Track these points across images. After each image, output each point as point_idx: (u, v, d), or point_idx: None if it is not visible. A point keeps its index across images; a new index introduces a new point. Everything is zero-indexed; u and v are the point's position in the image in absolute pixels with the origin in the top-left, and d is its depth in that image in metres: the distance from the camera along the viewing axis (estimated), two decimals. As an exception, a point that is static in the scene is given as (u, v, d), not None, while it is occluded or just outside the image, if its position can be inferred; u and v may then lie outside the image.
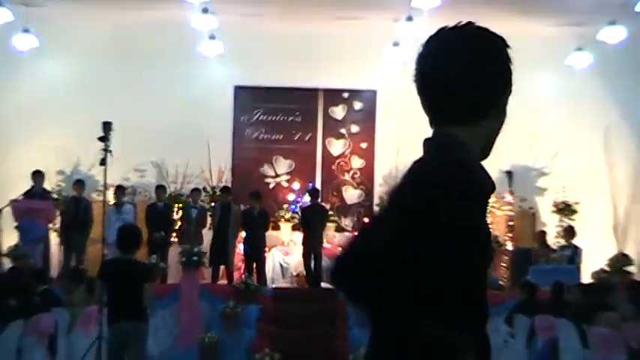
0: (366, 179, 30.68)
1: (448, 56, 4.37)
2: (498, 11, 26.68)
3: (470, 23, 4.43)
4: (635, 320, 18.26)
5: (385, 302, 4.43)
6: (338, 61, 29.63)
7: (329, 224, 28.71)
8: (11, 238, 25.67)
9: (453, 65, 4.35)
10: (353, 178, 30.66)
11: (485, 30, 4.42)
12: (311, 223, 27.11)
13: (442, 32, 4.43)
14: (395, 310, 4.41)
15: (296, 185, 30.16)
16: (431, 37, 4.46)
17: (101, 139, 18.33)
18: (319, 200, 28.18)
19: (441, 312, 4.36)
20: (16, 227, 26.27)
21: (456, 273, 4.33)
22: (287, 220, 29.01)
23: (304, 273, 27.23)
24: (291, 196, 29.94)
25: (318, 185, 29.97)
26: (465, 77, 4.32)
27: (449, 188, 4.13)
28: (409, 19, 26.47)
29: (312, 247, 26.92)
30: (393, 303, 4.41)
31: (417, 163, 4.28)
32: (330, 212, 29.25)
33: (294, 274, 28.08)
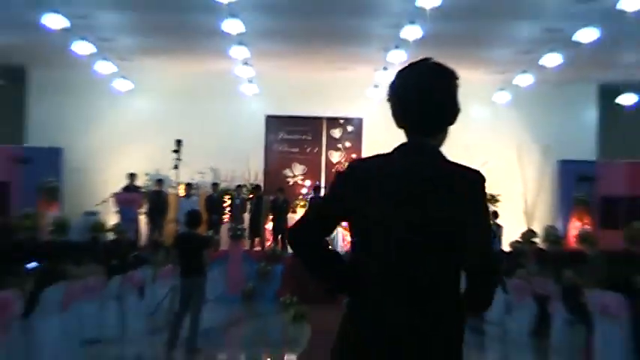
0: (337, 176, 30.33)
1: (426, 83, 4.28)
2: (448, 64, 26.59)
3: (430, 58, 4.33)
4: (539, 275, 18.29)
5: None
6: (336, 98, 29.68)
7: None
8: (112, 219, 25.76)
9: (433, 91, 4.27)
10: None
11: (443, 64, 4.32)
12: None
13: (416, 65, 4.34)
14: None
15: (307, 183, 30.08)
16: (407, 69, 4.37)
17: (175, 151, 18.39)
18: (321, 194, 28.20)
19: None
20: (117, 212, 26.55)
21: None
22: (301, 207, 28.91)
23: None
24: (304, 190, 29.83)
25: (323, 183, 29.91)
26: (439, 100, 4.26)
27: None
28: (385, 69, 26.34)
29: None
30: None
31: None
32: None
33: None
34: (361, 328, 4.25)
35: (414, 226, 4.16)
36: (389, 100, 4.34)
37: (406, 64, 4.35)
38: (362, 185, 4.24)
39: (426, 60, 4.33)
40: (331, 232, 4.42)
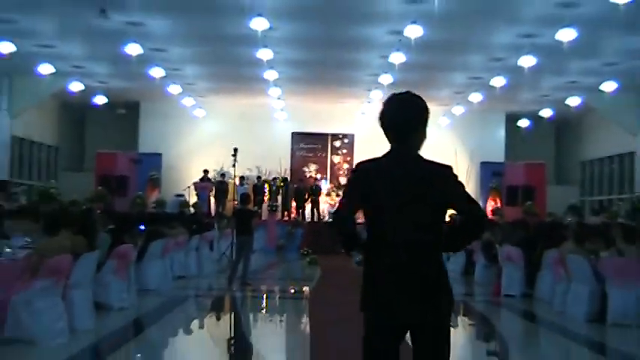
0: (348, 174, 29.93)
1: (416, 109, 3.92)
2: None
3: (410, 92, 3.97)
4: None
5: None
6: (337, 121, 29.48)
7: (332, 194, 28.83)
8: (193, 199, 25.76)
9: (414, 114, 3.89)
10: (343, 173, 30.03)
11: (420, 98, 3.97)
12: (315, 194, 27.84)
13: (401, 95, 3.99)
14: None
15: (318, 176, 29.67)
16: (394, 98, 4.00)
17: (233, 155, 18.33)
18: (322, 184, 28.87)
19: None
20: (196, 194, 26.53)
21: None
22: (311, 190, 28.51)
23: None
24: (315, 182, 29.50)
25: (328, 177, 29.85)
26: (418, 120, 3.90)
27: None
28: (368, 102, 26.05)
29: (316, 204, 27.57)
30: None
31: (432, 163, 3.83)
32: (332, 189, 29.14)
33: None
34: (376, 323, 3.74)
35: (423, 225, 3.70)
36: (380, 118, 3.97)
37: (391, 94, 4.06)
38: (368, 184, 3.81)
39: (408, 92, 4.00)
40: (355, 213, 3.82)
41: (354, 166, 4.03)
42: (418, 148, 3.95)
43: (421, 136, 3.96)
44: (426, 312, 3.65)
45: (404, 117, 3.92)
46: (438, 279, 3.71)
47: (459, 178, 3.90)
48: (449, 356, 3.75)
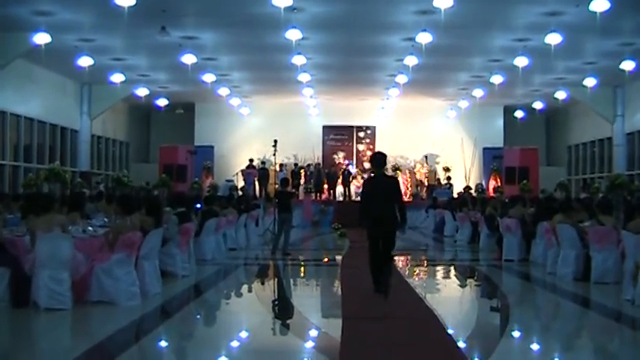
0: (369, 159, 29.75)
1: (383, 156, 8.49)
2: (421, 95, 26.34)
3: (381, 151, 8.78)
4: (473, 210, 18.10)
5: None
6: (361, 115, 29.28)
7: (357, 177, 28.47)
8: (240, 183, 25.81)
9: (384, 160, 8.51)
10: (367, 159, 29.56)
11: (384, 152, 8.68)
12: (347, 177, 27.53)
13: (379, 153, 8.59)
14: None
15: (346, 162, 29.52)
16: (377, 152, 8.66)
17: (273, 146, 18.37)
18: (350, 168, 28.39)
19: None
20: (243, 179, 26.59)
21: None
22: (341, 173, 28.38)
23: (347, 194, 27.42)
24: (343, 167, 29.33)
25: (354, 163, 29.58)
26: (384, 162, 8.57)
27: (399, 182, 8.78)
28: (387, 98, 26.06)
29: (348, 186, 27.29)
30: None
31: (390, 176, 8.92)
32: (358, 173, 28.91)
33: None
34: (371, 225, 8.20)
35: (384, 193, 8.15)
36: (369, 161, 8.29)
37: (373, 152, 8.36)
38: (368, 185, 8.50)
39: (380, 151, 8.60)
40: (370, 202, 8.30)
41: (365, 179, 7.67)
42: (384, 169, 8.59)
43: (385, 166, 8.59)
44: (387, 229, 8.18)
45: (380, 162, 8.45)
46: (393, 221, 8.20)
47: (401, 185, 8.77)
48: (394, 245, 8.43)
